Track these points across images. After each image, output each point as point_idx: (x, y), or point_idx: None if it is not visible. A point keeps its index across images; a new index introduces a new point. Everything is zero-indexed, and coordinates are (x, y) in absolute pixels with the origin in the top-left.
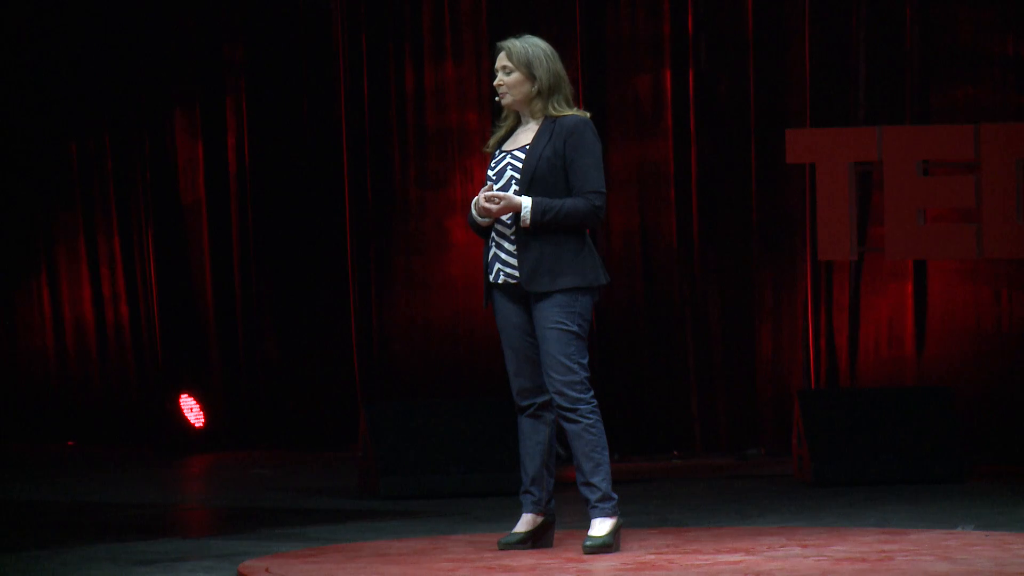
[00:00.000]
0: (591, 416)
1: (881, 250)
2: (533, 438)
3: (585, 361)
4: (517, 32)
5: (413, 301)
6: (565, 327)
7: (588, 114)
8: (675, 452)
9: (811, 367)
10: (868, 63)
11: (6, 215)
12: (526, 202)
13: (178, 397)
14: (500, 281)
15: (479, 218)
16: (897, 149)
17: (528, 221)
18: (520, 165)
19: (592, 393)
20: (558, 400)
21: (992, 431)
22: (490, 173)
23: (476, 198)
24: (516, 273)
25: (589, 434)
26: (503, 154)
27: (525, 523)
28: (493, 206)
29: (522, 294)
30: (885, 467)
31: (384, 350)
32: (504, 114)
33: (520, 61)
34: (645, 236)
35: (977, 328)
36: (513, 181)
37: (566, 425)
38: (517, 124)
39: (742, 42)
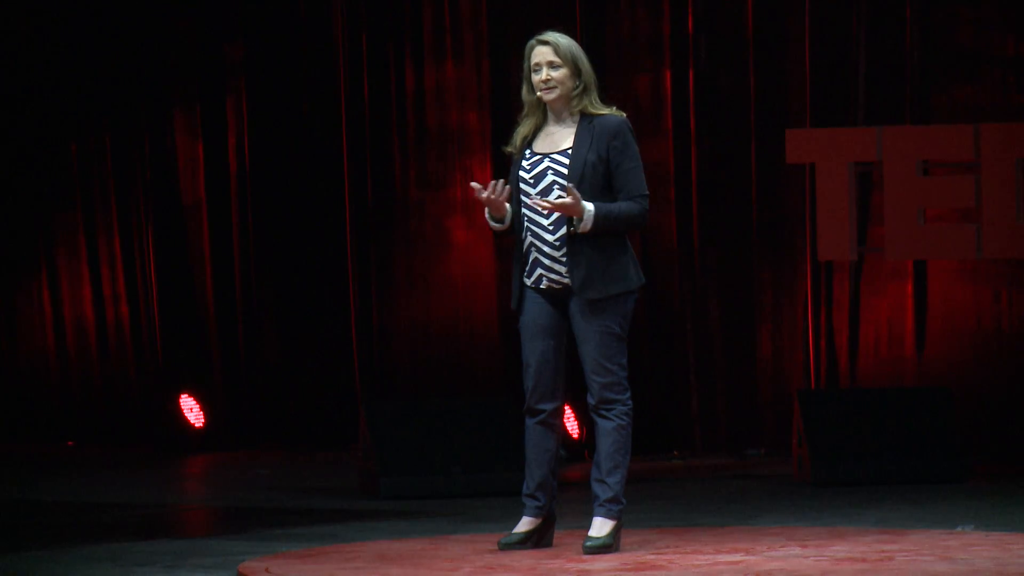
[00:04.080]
0: (624, 418)
1: (881, 250)
2: (541, 445)
3: (624, 361)
4: (517, 32)
5: (413, 301)
6: (609, 330)
7: (624, 114)
8: (675, 452)
9: (811, 367)
10: (868, 63)
11: (6, 215)
12: (589, 208)
13: (178, 397)
14: (543, 286)
15: (493, 223)
16: (897, 149)
17: (590, 225)
18: (565, 170)
19: (629, 395)
20: (595, 401)
21: (992, 431)
22: (524, 175)
23: (488, 194)
24: (562, 279)
25: (618, 433)
26: (538, 156)
27: (526, 524)
28: (551, 205)
29: (559, 297)
30: (885, 467)
31: (384, 350)
32: (525, 111)
33: (567, 56)
34: (645, 236)
35: (977, 328)
36: (556, 187)
37: (599, 421)
38: (541, 122)
39: (742, 42)
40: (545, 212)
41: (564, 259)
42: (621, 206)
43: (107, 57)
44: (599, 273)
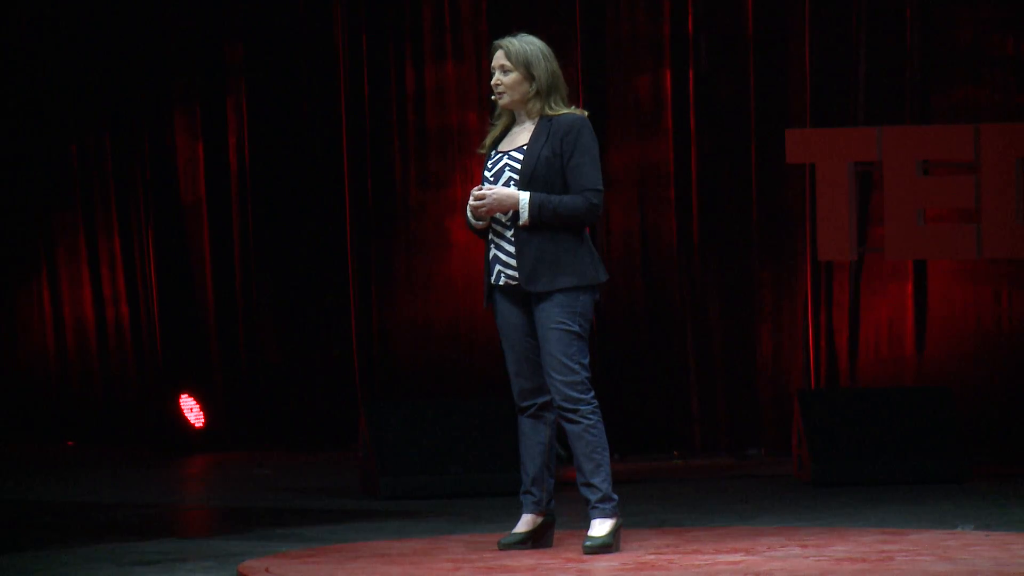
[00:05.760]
0: (592, 417)
1: (881, 250)
2: (533, 438)
3: (586, 361)
4: (516, 32)
5: (413, 301)
6: (566, 327)
7: (586, 113)
8: (675, 452)
9: (811, 367)
10: (868, 63)
11: (6, 215)
12: (523, 197)
13: (178, 397)
14: (501, 283)
15: (474, 220)
16: (897, 149)
17: (526, 216)
18: (518, 166)
19: (593, 394)
20: (559, 401)
21: (992, 431)
22: (487, 174)
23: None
24: (516, 274)
25: (589, 435)
26: (500, 154)
27: (525, 523)
28: (481, 202)
29: (523, 295)
30: (885, 467)
31: (384, 350)
32: (498, 112)
33: (518, 61)
34: (645, 236)
35: (977, 328)
36: (512, 182)
37: (567, 426)
38: (512, 123)
39: (742, 42)
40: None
41: (515, 253)
42: (563, 199)
43: (107, 57)
44: (547, 266)
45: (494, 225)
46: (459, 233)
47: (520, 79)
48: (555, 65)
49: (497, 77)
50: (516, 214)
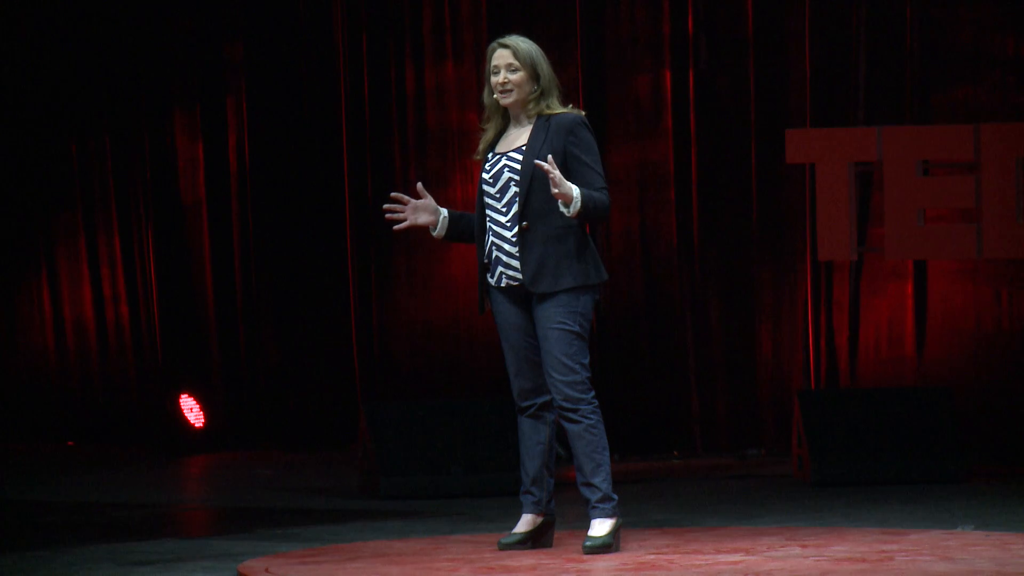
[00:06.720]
0: (592, 416)
1: (881, 250)
2: (533, 438)
3: (586, 361)
4: (517, 32)
5: (413, 301)
6: (567, 327)
7: (583, 112)
8: (675, 452)
9: (811, 367)
10: (868, 63)
11: (6, 215)
12: (576, 190)
13: (178, 397)
14: (503, 284)
15: (431, 229)
16: (897, 149)
17: (579, 206)
18: (518, 166)
19: (593, 393)
20: (559, 400)
21: (992, 431)
22: (485, 176)
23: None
24: (518, 275)
25: (590, 434)
26: (497, 156)
27: (525, 523)
28: (553, 171)
29: (523, 295)
30: (885, 467)
31: (384, 350)
32: (486, 115)
33: (526, 60)
34: (645, 236)
35: (977, 328)
36: (512, 183)
37: (567, 425)
38: (504, 126)
39: (742, 42)
40: (503, 209)
41: (518, 253)
42: (594, 194)
43: (107, 57)
44: (551, 267)
45: (494, 227)
46: None
47: (526, 78)
48: (550, 67)
49: (504, 76)
50: (516, 215)
